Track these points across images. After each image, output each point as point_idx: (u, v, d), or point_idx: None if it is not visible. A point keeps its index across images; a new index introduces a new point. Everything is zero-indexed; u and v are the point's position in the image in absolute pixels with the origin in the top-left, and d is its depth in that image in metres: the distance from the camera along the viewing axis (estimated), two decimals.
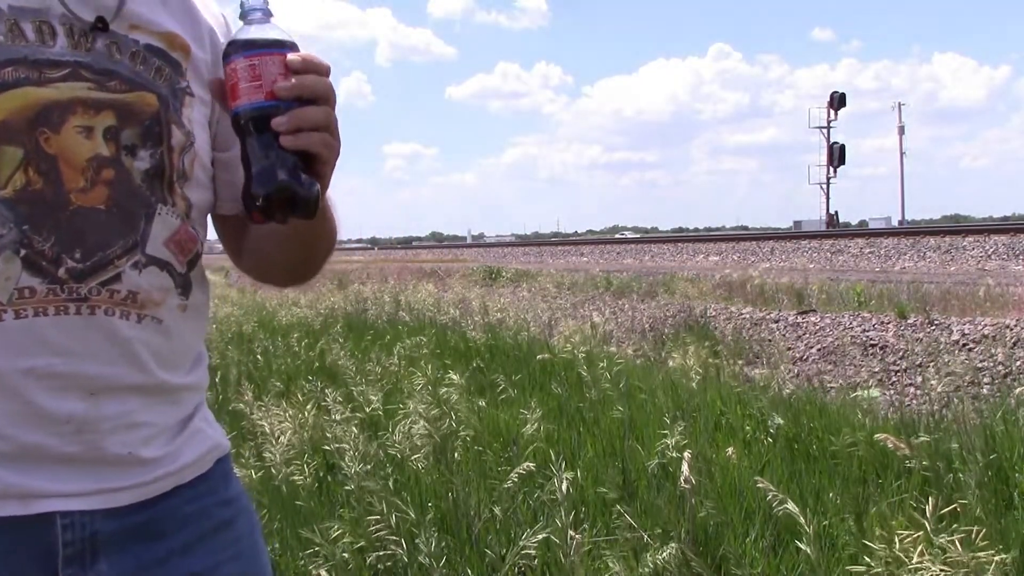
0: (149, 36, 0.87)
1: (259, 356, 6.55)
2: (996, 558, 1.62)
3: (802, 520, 1.94)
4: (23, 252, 0.78)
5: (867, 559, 1.88)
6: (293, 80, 0.80)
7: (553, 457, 2.93)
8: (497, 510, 2.75)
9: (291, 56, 0.81)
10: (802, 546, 2.02)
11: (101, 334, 0.82)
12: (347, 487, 2.96)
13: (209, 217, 0.99)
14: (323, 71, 0.82)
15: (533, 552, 2.43)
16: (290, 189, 0.81)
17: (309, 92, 0.81)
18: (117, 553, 0.84)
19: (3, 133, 0.77)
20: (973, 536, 1.64)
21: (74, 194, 0.80)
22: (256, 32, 0.82)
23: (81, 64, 0.82)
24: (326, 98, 0.82)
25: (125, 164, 0.83)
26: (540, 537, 2.28)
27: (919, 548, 1.62)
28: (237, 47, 0.81)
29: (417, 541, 2.45)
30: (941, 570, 1.58)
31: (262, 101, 0.80)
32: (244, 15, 0.83)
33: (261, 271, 1.06)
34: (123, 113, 0.83)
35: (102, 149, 0.82)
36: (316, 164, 0.83)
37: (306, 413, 3.79)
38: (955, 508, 2.51)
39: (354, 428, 3.43)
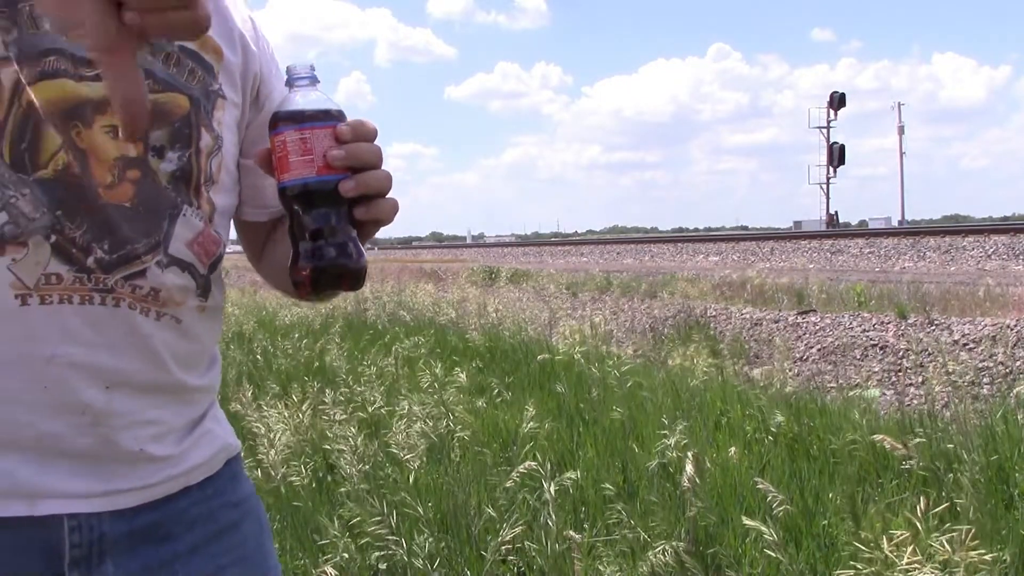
0: None
1: (259, 356, 6.55)
2: (988, 556, 1.62)
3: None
4: (54, 238, 0.77)
5: (858, 560, 1.88)
6: (344, 150, 0.79)
7: (552, 457, 2.93)
8: (491, 510, 2.75)
9: (341, 127, 0.80)
10: (803, 546, 2.02)
11: (123, 327, 0.81)
12: (343, 488, 2.96)
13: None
14: (372, 136, 0.82)
15: (532, 551, 2.43)
16: (340, 266, 0.80)
17: (361, 162, 0.80)
18: (123, 555, 0.83)
19: (46, 116, 0.77)
20: (967, 536, 1.64)
21: (102, 189, 0.80)
22: (304, 101, 0.81)
23: None
24: (378, 164, 0.82)
25: (151, 165, 0.83)
26: (518, 530, 2.28)
27: (910, 548, 1.62)
28: (285, 118, 0.80)
29: (417, 540, 2.45)
30: (933, 570, 1.57)
31: (314, 176, 0.79)
32: (290, 81, 0.82)
33: (281, 281, 1.04)
34: (153, 114, 0.82)
35: (128, 150, 0.81)
36: (373, 227, 0.83)
37: (305, 413, 3.79)
38: (955, 508, 2.51)
39: (353, 428, 3.42)
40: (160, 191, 0.84)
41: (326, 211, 0.80)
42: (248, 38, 0.95)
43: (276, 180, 0.81)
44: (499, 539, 2.24)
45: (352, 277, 0.82)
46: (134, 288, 0.82)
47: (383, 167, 0.83)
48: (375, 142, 0.82)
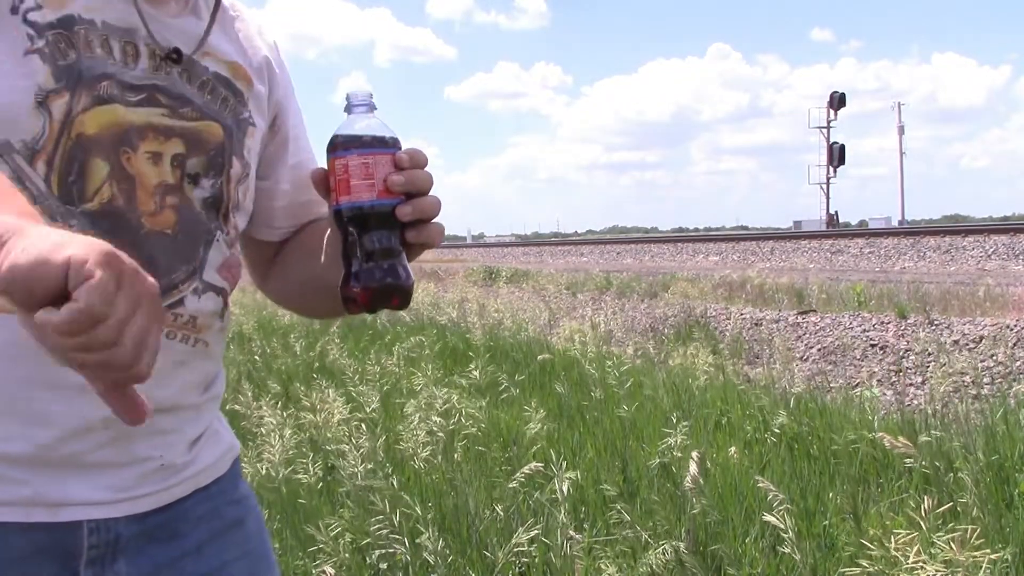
0: (217, 64, 0.89)
1: (258, 357, 6.55)
2: (993, 556, 1.62)
3: (786, 525, 1.94)
4: None
5: (864, 560, 1.88)
6: (404, 176, 0.82)
7: (554, 457, 2.93)
8: (499, 509, 2.75)
9: (400, 155, 0.83)
10: (803, 547, 2.02)
11: (161, 357, 0.83)
12: (343, 488, 2.96)
13: None
14: (424, 163, 0.84)
15: (533, 551, 2.43)
16: (392, 286, 0.83)
17: (417, 188, 0.83)
18: (135, 554, 0.85)
19: (97, 146, 0.79)
20: (970, 535, 1.64)
21: (145, 217, 0.82)
22: (364, 127, 0.83)
23: (159, 88, 0.83)
24: (430, 190, 0.85)
25: (186, 192, 0.85)
26: (533, 534, 2.28)
27: (915, 548, 1.62)
28: (346, 142, 0.82)
29: (419, 540, 2.44)
30: (937, 570, 1.57)
31: (375, 199, 0.81)
32: (350, 107, 0.84)
33: (292, 299, 1.08)
34: (191, 142, 0.85)
35: (167, 176, 0.83)
36: (419, 250, 0.86)
37: (307, 413, 3.79)
38: (955, 508, 2.51)
39: (354, 428, 3.42)
40: (196, 217, 0.86)
41: (381, 233, 0.83)
42: (274, 65, 0.98)
43: (332, 201, 0.84)
44: (511, 542, 2.23)
45: (403, 296, 0.85)
46: (176, 316, 0.85)
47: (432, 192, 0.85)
48: (426, 168, 0.85)
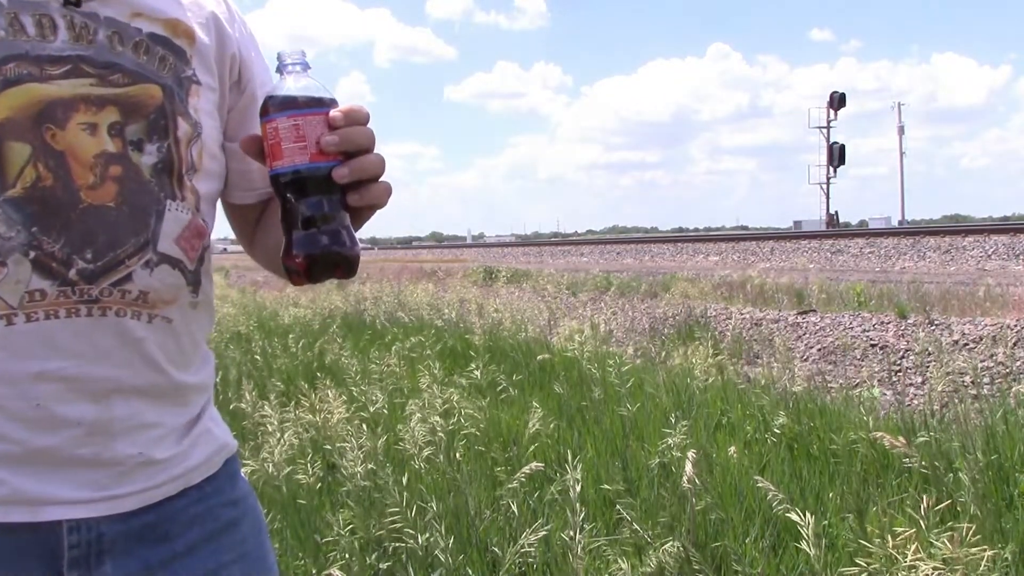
0: (152, 24, 0.85)
1: (258, 356, 6.55)
2: (989, 553, 1.62)
3: (801, 521, 1.94)
4: (33, 254, 0.77)
5: (863, 558, 1.88)
6: (338, 136, 0.79)
7: (556, 457, 2.93)
8: (507, 505, 2.75)
9: (334, 113, 0.79)
10: (802, 546, 2.02)
11: (112, 335, 0.81)
12: (346, 487, 2.96)
13: (219, 205, 0.97)
14: (364, 120, 0.81)
15: (534, 551, 2.43)
16: (334, 253, 0.80)
17: (355, 146, 0.80)
18: (122, 555, 0.83)
19: (9, 130, 0.76)
20: (968, 533, 1.64)
21: (84, 191, 0.78)
22: (295, 88, 0.80)
23: (83, 58, 0.80)
24: (371, 147, 0.81)
25: (132, 159, 0.82)
26: (540, 535, 2.28)
27: (914, 546, 1.62)
28: (277, 104, 0.79)
29: (422, 540, 2.45)
30: (935, 568, 1.58)
31: (307, 162, 0.78)
32: (281, 68, 0.81)
33: (275, 265, 1.04)
34: (127, 108, 0.82)
35: (108, 145, 0.80)
36: (367, 213, 0.83)
37: (308, 412, 3.79)
38: (955, 508, 2.51)
39: (356, 427, 3.42)
40: (145, 186, 0.82)
41: (319, 198, 0.79)
42: (223, 19, 0.93)
43: (268, 167, 0.80)
44: (519, 543, 2.23)
45: (346, 265, 0.81)
46: (123, 294, 0.81)
47: (375, 150, 0.82)
48: (367, 125, 0.81)
